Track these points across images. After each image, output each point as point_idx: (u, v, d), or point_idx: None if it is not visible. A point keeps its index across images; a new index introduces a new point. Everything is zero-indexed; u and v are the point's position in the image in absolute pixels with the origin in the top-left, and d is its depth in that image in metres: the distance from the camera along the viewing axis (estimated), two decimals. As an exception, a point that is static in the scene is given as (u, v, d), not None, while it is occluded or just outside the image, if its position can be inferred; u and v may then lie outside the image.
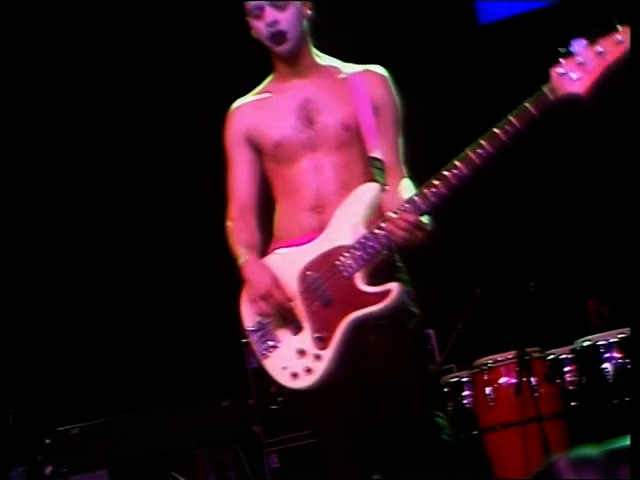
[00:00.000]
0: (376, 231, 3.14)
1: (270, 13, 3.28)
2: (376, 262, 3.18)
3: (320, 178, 3.32)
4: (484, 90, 6.31)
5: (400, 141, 3.36)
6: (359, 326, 3.15)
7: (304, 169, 3.33)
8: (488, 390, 4.70)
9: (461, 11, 6.80)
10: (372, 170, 3.28)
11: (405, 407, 3.15)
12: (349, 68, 3.39)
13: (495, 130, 2.90)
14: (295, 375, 3.18)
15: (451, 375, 5.04)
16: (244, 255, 3.32)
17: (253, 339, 3.29)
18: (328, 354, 3.16)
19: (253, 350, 3.32)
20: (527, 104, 2.86)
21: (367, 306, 3.12)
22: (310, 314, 3.21)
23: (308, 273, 3.25)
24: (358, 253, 3.17)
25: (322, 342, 3.17)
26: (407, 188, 3.23)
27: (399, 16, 6.54)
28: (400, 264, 3.27)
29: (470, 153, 2.94)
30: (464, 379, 4.89)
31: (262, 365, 3.29)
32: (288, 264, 3.28)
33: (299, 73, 3.38)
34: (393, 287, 3.11)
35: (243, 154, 3.44)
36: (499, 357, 4.73)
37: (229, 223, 3.42)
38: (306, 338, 3.20)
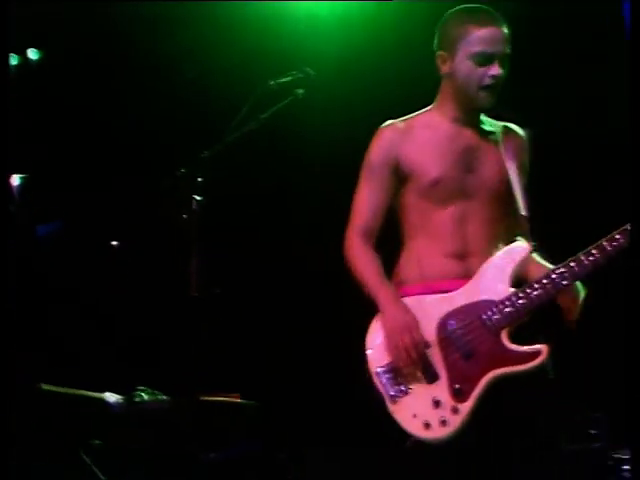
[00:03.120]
0: (529, 290, 3.13)
1: (498, 67, 3.26)
2: (522, 321, 3.16)
3: (469, 227, 3.28)
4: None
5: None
6: (499, 381, 3.10)
7: (455, 214, 3.27)
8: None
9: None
10: (522, 229, 3.31)
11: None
12: (495, 124, 3.42)
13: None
14: (428, 425, 3.09)
15: (617, 452, 5.55)
16: (385, 286, 3.25)
17: (381, 380, 3.20)
18: (466, 408, 3.08)
19: (379, 390, 3.21)
20: None
21: (512, 364, 3.09)
22: (448, 364, 3.13)
23: (450, 322, 3.18)
24: (507, 310, 3.13)
25: (461, 395, 3.09)
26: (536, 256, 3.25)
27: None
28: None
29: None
30: (626, 457, 5.38)
31: (387, 408, 3.18)
32: (426, 310, 3.20)
33: (469, 122, 3.35)
34: (543, 349, 3.11)
35: (384, 178, 3.35)
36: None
37: (353, 239, 3.36)
38: (443, 389, 3.11)
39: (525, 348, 3.12)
